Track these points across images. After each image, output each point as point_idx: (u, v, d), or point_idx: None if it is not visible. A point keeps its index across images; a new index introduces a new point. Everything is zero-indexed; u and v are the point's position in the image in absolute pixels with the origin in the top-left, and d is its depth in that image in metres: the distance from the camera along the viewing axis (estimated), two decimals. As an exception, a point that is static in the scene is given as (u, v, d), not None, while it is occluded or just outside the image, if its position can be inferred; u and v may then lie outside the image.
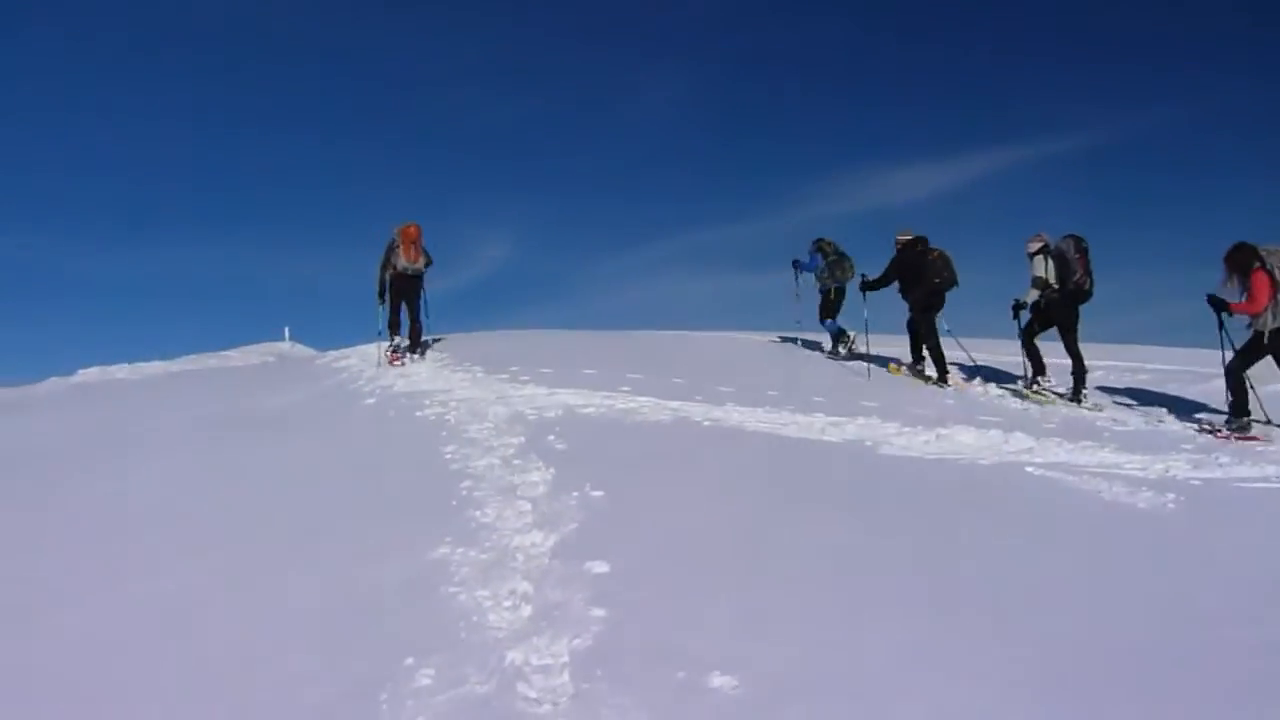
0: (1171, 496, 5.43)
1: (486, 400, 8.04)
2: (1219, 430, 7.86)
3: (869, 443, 6.86)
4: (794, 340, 13.25)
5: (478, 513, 4.74)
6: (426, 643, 3.19)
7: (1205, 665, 3.16)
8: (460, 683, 2.91)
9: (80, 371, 14.82)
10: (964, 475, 6.03)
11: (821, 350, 12.51)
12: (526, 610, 3.47)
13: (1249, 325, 8.02)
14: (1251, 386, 8.01)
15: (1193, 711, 2.85)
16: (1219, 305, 8.17)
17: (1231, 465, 6.34)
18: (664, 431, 6.98)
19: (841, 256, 12.46)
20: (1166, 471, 6.15)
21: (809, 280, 12.97)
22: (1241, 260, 7.91)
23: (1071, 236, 9.65)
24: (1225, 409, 8.07)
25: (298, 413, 8.72)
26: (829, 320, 12.67)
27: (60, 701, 3.08)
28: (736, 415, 7.68)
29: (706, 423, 7.32)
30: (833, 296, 12.56)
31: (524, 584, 3.71)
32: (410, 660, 3.05)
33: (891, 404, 8.54)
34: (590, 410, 7.61)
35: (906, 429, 7.27)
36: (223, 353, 18.18)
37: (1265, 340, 7.86)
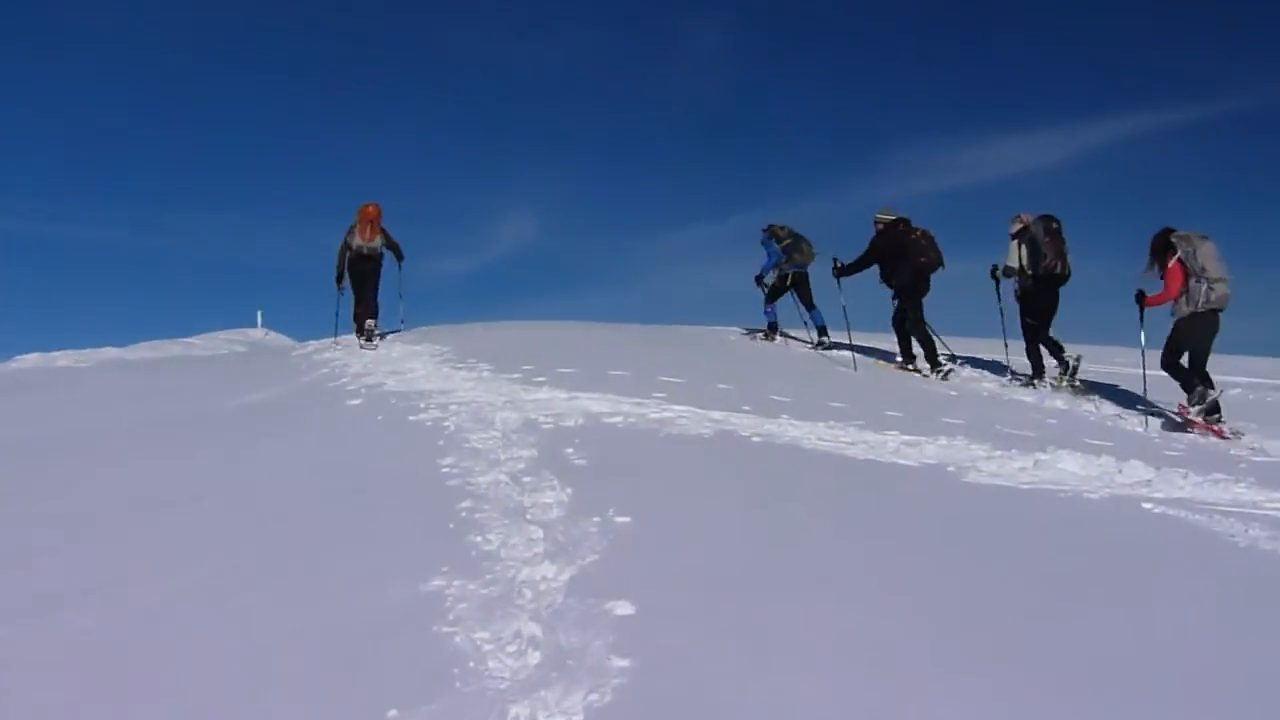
0: (1323, 544, 5.33)
1: (494, 404, 8.07)
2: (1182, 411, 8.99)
3: (952, 468, 6.80)
4: (859, 346, 13.21)
5: (479, 538, 4.75)
6: (415, 692, 3.19)
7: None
8: (453, 741, 2.92)
9: (17, 358, 15.07)
10: (1067, 511, 5.95)
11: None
12: (535, 656, 3.47)
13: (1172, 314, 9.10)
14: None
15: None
16: (1138, 300, 9.38)
17: (1398, 508, 6.21)
18: (705, 447, 6.96)
19: (798, 238, 13.23)
20: (1317, 513, 6.04)
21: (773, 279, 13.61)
22: (1158, 247, 9.06)
23: (1043, 217, 10.56)
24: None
25: (269, 413, 8.80)
26: (770, 308, 13.66)
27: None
28: (793, 430, 7.64)
29: (756, 438, 7.30)
30: (790, 283, 13.22)
31: (532, 625, 3.71)
32: (394, 712, 3.06)
33: (980, 421, 8.48)
34: (617, 420, 7.62)
35: (998, 452, 7.20)
36: (186, 339, 18.43)
37: (1180, 328, 8.95)
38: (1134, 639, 3.99)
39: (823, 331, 13.13)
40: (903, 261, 11.38)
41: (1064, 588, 4.59)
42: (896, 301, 11.62)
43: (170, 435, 8.05)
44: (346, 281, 12.70)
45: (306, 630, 3.84)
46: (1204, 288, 8.68)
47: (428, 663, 3.44)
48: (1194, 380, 8.88)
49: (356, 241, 12.38)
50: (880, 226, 11.68)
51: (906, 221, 11.56)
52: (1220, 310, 8.80)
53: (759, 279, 13.58)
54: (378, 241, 12.49)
